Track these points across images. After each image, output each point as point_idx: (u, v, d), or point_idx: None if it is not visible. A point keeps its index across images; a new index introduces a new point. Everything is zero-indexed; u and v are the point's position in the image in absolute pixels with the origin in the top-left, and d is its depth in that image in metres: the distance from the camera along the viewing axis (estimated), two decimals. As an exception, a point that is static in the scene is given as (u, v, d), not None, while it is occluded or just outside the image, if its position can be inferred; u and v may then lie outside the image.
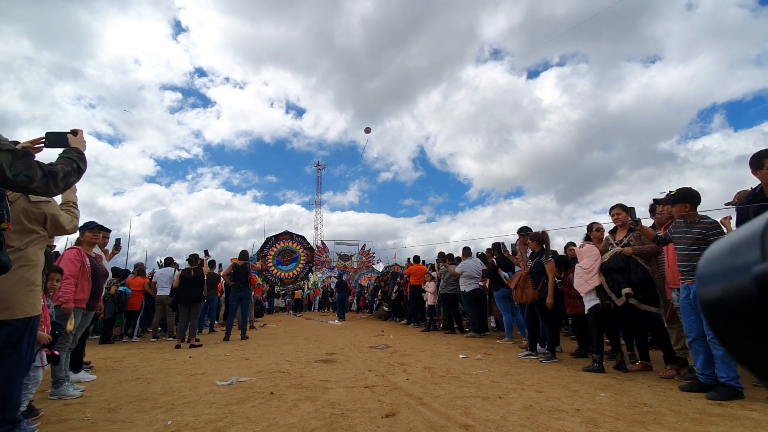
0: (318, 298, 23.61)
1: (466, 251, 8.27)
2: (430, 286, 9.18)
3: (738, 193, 3.91)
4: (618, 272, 4.10)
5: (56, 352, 2.89)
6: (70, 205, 2.60)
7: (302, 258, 21.37)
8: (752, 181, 3.22)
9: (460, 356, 5.16)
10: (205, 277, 8.05)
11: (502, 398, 3.13)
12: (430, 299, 9.21)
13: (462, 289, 7.87)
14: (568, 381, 3.70)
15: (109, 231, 4.30)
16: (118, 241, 5.50)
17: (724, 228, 3.36)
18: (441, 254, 9.42)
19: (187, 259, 7.97)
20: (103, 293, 5.13)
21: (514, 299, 5.67)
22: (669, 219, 3.76)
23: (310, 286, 24.20)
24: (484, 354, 5.34)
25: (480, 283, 7.76)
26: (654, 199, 4.41)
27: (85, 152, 2.16)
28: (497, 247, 7.58)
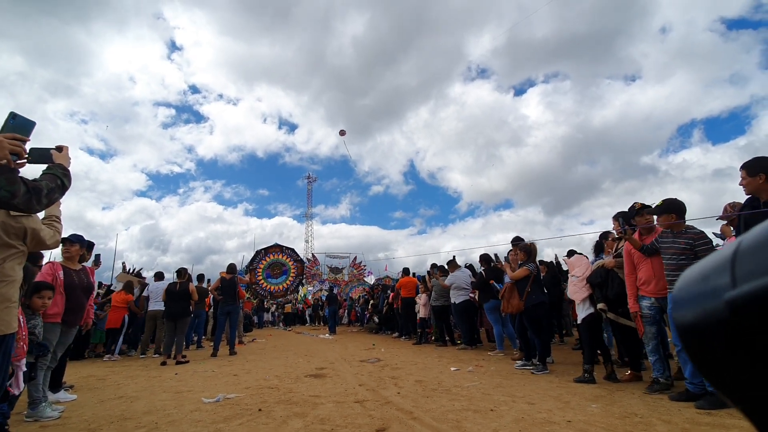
0: (308, 311, 23.34)
1: (453, 263, 8.27)
2: (422, 298, 9.14)
3: (727, 204, 3.96)
4: (598, 287, 4.18)
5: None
6: (53, 219, 2.54)
7: (292, 271, 21.17)
8: (731, 194, 3.30)
9: (452, 369, 5.12)
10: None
11: (494, 411, 3.10)
12: (421, 311, 9.16)
13: (452, 300, 7.85)
14: (560, 392, 3.68)
15: (80, 243, 4.18)
16: (97, 257, 5.36)
17: (715, 238, 3.42)
18: (434, 265, 9.40)
19: (176, 271, 7.83)
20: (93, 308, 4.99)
21: (502, 310, 5.70)
22: (647, 224, 3.79)
23: (299, 299, 23.94)
24: (475, 366, 5.31)
25: (470, 294, 7.75)
26: (641, 204, 4.44)
27: (69, 168, 2.12)
28: (486, 258, 7.61)
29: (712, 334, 0.31)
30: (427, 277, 9.33)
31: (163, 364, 6.56)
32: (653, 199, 3.74)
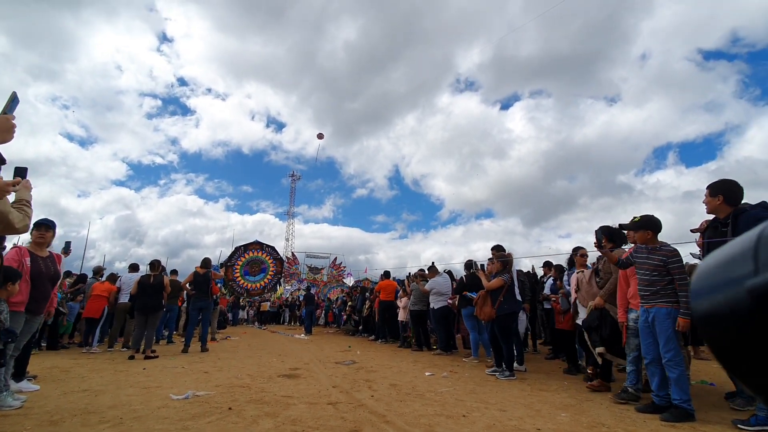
0: (286, 311, 23.05)
1: (433, 268, 8.31)
2: (402, 302, 9.14)
3: (703, 222, 4.11)
4: (594, 330, 4.26)
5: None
6: (23, 203, 2.44)
7: (271, 269, 20.87)
8: (699, 215, 3.45)
9: (426, 374, 5.14)
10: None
11: (466, 417, 3.12)
12: (401, 315, 9.16)
13: (431, 306, 7.88)
14: (531, 400, 3.74)
15: (54, 229, 4.03)
16: (67, 244, 5.14)
17: (693, 258, 3.55)
18: (420, 270, 9.39)
19: (150, 263, 7.61)
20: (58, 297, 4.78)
21: (475, 315, 5.82)
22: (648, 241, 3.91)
23: (276, 297, 23.63)
24: (450, 372, 5.34)
25: (449, 300, 7.80)
26: (619, 224, 4.59)
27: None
28: (468, 264, 7.68)
29: (733, 323, 0.30)
30: (406, 282, 9.35)
31: (131, 358, 6.37)
32: (627, 217, 3.86)
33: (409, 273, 10.07)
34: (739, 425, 2.87)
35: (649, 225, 3.44)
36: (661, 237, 3.54)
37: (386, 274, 10.83)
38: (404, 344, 8.96)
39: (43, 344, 7.66)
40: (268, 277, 21.07)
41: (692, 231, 4.01)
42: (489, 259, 6.33)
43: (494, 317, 5.19)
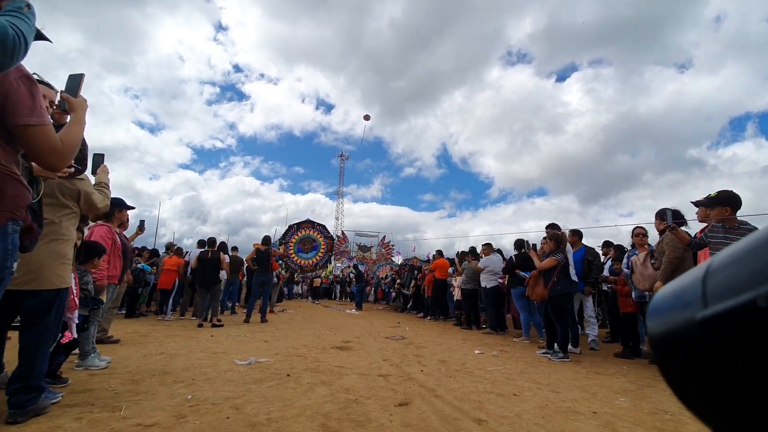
0: (337, 287, 23.86)
1: (488, 246, 8.18)
2: (457, 280, 9.11)
3: None
4: None
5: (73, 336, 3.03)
6: (102, 186, 2.70)
7: (322, 247, 21.62)
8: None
9: (476, 352, 5.13)
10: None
11: (517, 396, 3.10)
12: (457, 293, 9.17)
13: (483, 285, 7.79)
14: (586, 383, 3.62)
15: (132, 207, 4.47)
16: (142, 222, 5.63)
17: None
18: (472, 248, 9.31)
19: (207, 240, 8.16)
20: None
21: (526, 295, 5.67)
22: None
23: (326, 274, 24.48)
24: (500, 351, 5.29)
25: (500, 280, 7.66)
26: (692, 201, 4.23)
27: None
28: (519, 244, 7.47)
29: (683, 349, 0.32)
30: (456, 260, 9.29)
31: (200, 326, 6.95)
32: (697, 194, 3.52)
33: (458, 252, 9.98)
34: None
35: (728, 201, 3.12)
36: (738, 216, 3.20)
37: (440, 253, 10.81)
38: (460, 322, 9.00)
39: (123, 310, 8.58)
40: (320, 254, 21.88)
41: None
42: (543, 239, 6.11)
43: (546, 298, 5.03)
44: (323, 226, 22.22)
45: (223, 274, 8.56)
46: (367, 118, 27.23)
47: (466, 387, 3.31)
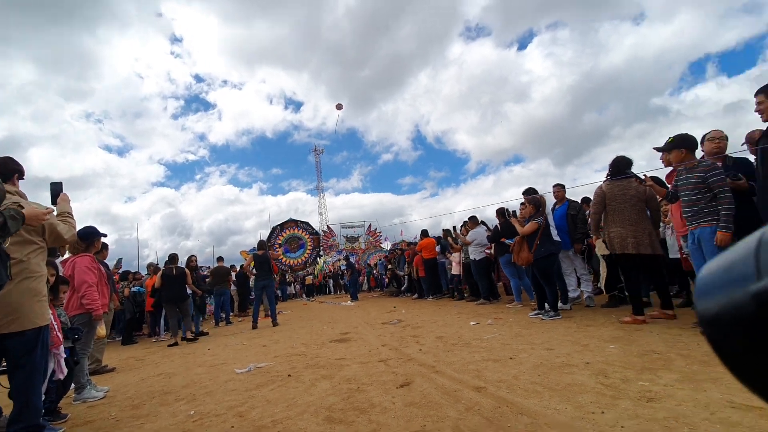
0: (330, 281, 23.90)
1: (473, 219, 8.29)
2: (455, 257, 9.22)
3: (755, 130, 3.76)
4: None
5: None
6: (66, 216, 2.61)
7: (309, 244, 21.55)
8: (746, 125, 3.16)
9: (471, 323, 5.24)
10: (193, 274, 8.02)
11: (513, 359, 3.19)
12: (455, 269, 9.30)
13: (471, 257, 7.93)
14: (578, 336, 3.75)
15: (104, 235, 4.38)
16: (119, 261, 5.48)
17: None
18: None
19: (168, 257, 7.87)
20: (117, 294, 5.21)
21: (513, 261, 5.79)
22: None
23: (318, 270, 24.46)
24: (494, 319, 5.42)
25: (486, 250, 7.80)
26: (654, 147, 4.35)
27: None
28: (502, 212, 7.58)
29: (736, 327, 0.31)
30: (450, 238, 9.40)
31: (174, 345, 6.65)
32: (663, 142, 3.60)
33: (444, 230, 10.12)
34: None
35: (683, 143, 3.23)
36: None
37: (425, 233, 10.91)
38: (454, 296, 9.16)
39: (117, 338, 8.42)
40: (308, 251, 21.79)
41: (745, 142, 3.68)
42: (522, 204, 6.21)
43: (532, 261, 5.15)
44: (306, 223, 22.08)
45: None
46: (339, 107, 26.98)
47: (464, 358, 3.39)
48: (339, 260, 23.98)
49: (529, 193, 5.93)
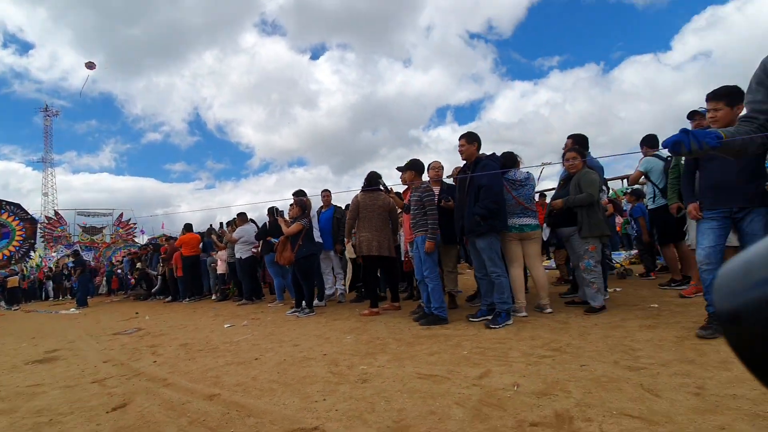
0: (49, 283, 18.43)
1: (242, 216, 7.95)
2: (221, 255, 8.44)
3: (455, 167, 5.00)
4: None
5: None
6: None
7: (19, 233, 16.14)
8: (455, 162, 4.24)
9: (226, 326, 4.96)
10: None
11: (258, 359, 3.16)
12: (221, 268, 8.52)
13: (237, 256, 7.56)
14: (323, 330, 4.06)
15: None
16: None
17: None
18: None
19: None
20: None
21: (275, 261, 5.88)
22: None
23: (30, 267, 18.67)
24: (251, 320, 5.30)
25: (253, 249, 7.61)
26: (396, 167, 5.21)
27: None
28: (272, 211, 7.55)
29: (756, 327, 0.31)
30: (214, 236, 8.66)
31: None
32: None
33: (210, 225, 9.34)
34: (470, 318, 3.81)
35: (413, 167, 4.02)
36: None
37: (188, 228, 9.74)
38: (222, 297, 8.49)
39: None
40: (15, 243, 16.40)
41: (449, 176, 4.88)
42: (290, 205, 6.36)
43: (294, 261, 5.31)
44: (17, 205, 16.50)
45: None
46: (90, 65, 21.03)
47: (206, 365, 3.14)
48: (68, 256, 18.74)
49: (300, 194, 6.14)
